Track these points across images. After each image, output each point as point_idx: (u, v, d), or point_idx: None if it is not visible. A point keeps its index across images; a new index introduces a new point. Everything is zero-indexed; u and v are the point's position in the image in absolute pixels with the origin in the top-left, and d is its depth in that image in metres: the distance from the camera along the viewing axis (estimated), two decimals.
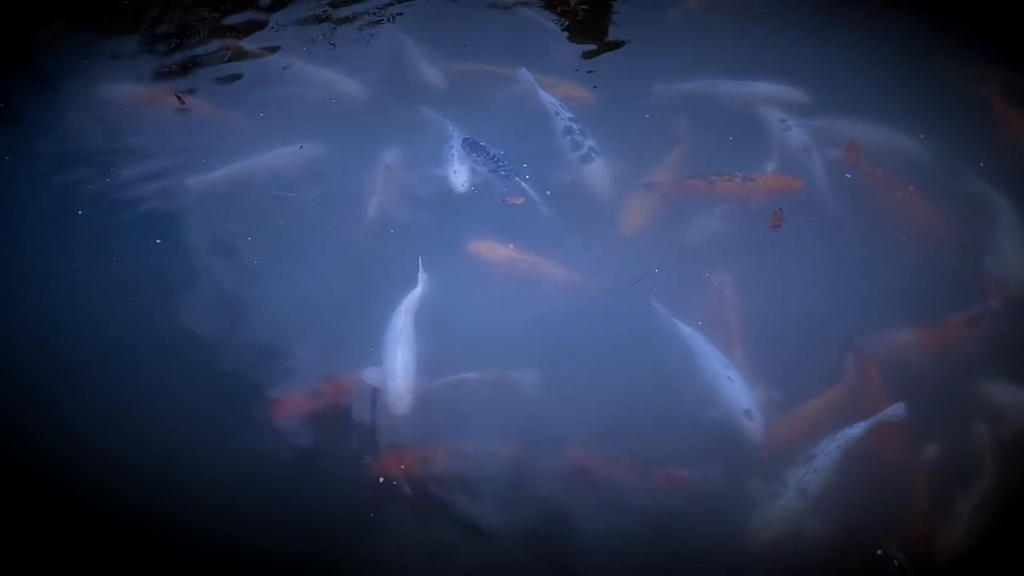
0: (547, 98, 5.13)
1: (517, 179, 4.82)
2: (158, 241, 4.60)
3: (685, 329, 4.28)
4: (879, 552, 3.71)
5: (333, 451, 4.04)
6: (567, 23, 5.69)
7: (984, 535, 3.77)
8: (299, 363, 4.26)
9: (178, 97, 5.11)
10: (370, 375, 4.18)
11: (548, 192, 4.79)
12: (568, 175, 4.86)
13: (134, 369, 4.25)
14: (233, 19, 5.70)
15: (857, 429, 3.98)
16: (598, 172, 4.84)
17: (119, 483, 3.93)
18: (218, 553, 3.81)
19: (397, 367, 4.16)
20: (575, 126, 4.97)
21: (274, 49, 5.53)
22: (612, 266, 4.55)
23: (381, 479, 3.94)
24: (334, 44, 5.60)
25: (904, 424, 4.01)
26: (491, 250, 4.59)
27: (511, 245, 4.61)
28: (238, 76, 5.40)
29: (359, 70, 5.39)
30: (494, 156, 4.89)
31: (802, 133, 4.96)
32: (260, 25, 5.68)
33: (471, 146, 4.94)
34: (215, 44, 5.54)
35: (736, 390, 4.09)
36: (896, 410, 4.02)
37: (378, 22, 5.71)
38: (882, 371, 4.16)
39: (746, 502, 3.84)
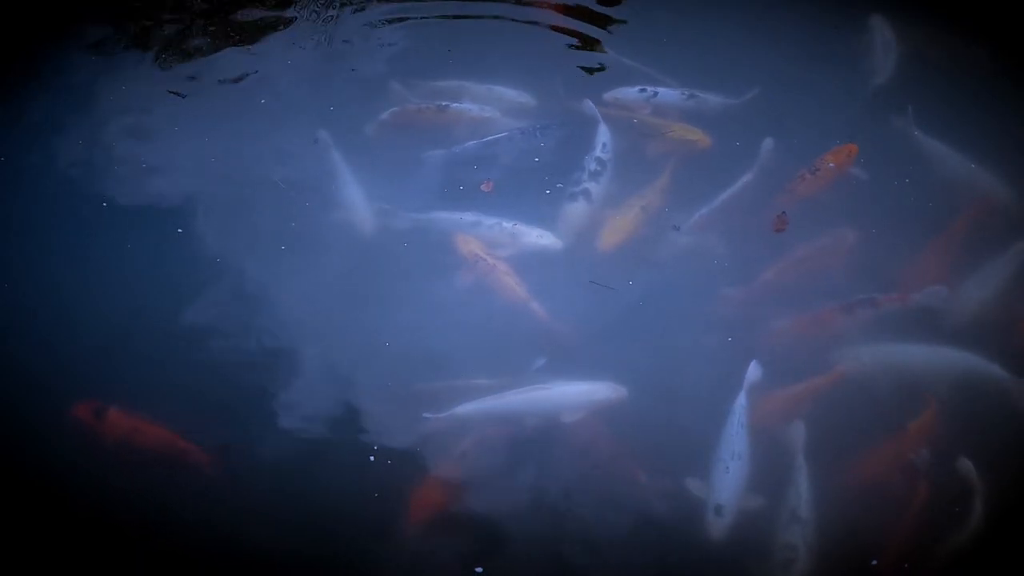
0: (602, 132, 5.08)
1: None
2: (179, 230, 4.68)
3: (740, 400, 4.07)
4: (874, 562, 3.63)
5: (342, 444, 4.07)
6: None
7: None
8: (308, 360, 4.31)
9: None
10: None
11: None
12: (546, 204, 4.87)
13: (141, 362, 4.29)
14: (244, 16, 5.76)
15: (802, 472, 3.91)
16: (572, 213, 4.81)
17: (122, 479, 3.94)
18: (223, 549, 3.82)
19: None
20: (593, 167, 4.94)
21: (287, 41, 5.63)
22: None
23: (371, 457, 3.96)
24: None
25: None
26: (465, 244, 4.62)
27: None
28: (245, 71, 5.46)
29: None
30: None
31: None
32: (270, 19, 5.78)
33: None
34: (221, 39, 5.62)
35: (724, 482, 3.87)
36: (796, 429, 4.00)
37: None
38: None
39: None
